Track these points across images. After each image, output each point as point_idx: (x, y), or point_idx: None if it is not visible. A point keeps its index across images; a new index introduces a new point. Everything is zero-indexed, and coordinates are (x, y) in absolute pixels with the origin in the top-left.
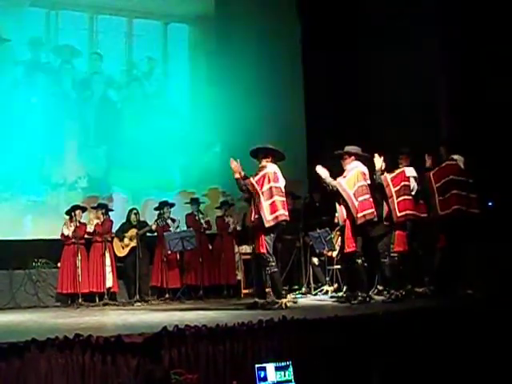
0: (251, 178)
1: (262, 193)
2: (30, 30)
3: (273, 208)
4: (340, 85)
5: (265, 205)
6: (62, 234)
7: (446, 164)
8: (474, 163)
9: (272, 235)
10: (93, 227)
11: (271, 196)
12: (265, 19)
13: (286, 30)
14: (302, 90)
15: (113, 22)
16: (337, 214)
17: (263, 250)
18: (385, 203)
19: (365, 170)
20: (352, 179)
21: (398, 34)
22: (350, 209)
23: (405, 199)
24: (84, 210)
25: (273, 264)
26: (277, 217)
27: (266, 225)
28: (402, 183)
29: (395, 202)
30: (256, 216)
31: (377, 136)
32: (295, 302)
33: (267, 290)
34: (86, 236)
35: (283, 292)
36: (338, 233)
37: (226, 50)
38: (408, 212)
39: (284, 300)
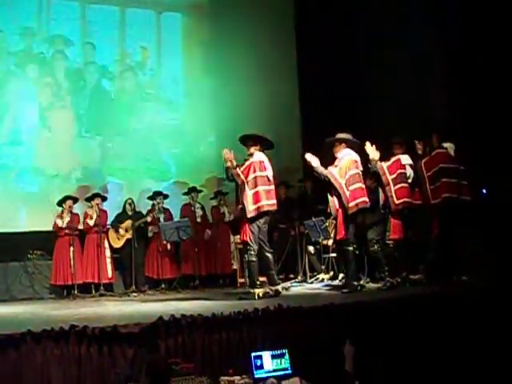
0: (237, 168)
1: (247, 182)
2: (22, 20)
3: (255, 198)
4: (335, 71)
5: (248, 194)
6: (56, 225)
7: (437, 152)
8: (468, 150)
9: (256, 224)
10: (93, 222)
11: (255, 186)
12: (258, 6)
13: (279, 17)
14: (297, 77)
15: (105, 11)
16: (330, 204)
17: (246, 238)
18: (381, 191)
19: (357, 157)
20: (344, 168)
21: (394, 18)
22: (342, 198)
23: (402, 187)
24: (75, 200)
25: (252, 253)
26: (259, 207)
27: (248, 215)
28: (398, 171)
29: (392, 190)
30: (240, 206)
31: (372, 121)
32: (272, 294)
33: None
34: (80, 227)
35: (259, 282)
36: (333, 221)
37: (219, 38)
38: (406, 200)
39: (257, 290)
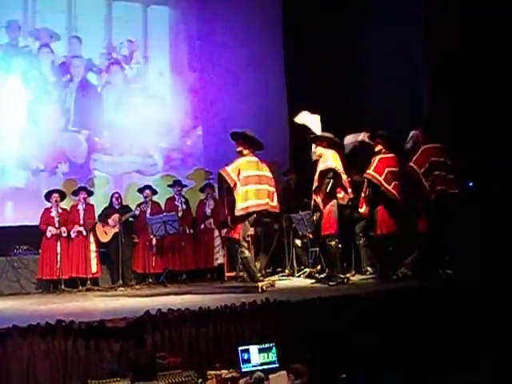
0: (226, 168)
1: (239, 180)
2: (7, 13)
3: (244, 197)
4: (323, 66)
5: (239, 193)
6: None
7: (424, 148)
8: (454, 144)
9: (247, 222)
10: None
11: (246, 184)
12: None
13: (267, 10)
14: (284, 72)
15: (91, 4)
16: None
17: (236, 237)
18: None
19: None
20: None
21: (383, 9)
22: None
23: (396, 184)
24: (62, 194)
25: (243, 250)
26: (246, 207)
27: (236, 214)
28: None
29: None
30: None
31: (362, 116)
32: (273, 285)
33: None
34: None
35: (259, 275)
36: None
37: (206, 32)
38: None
39: (260, 283)
